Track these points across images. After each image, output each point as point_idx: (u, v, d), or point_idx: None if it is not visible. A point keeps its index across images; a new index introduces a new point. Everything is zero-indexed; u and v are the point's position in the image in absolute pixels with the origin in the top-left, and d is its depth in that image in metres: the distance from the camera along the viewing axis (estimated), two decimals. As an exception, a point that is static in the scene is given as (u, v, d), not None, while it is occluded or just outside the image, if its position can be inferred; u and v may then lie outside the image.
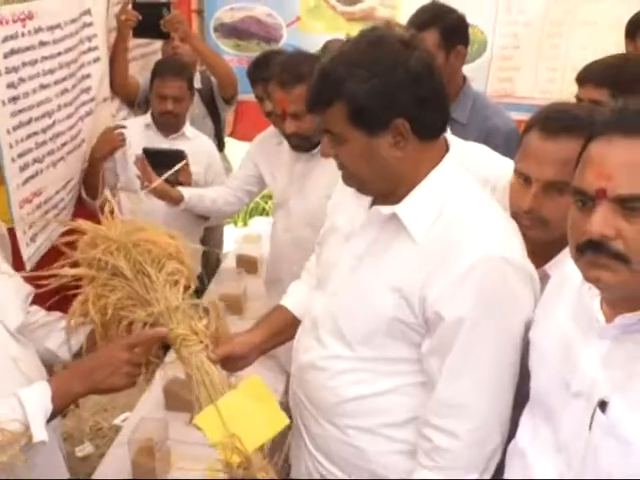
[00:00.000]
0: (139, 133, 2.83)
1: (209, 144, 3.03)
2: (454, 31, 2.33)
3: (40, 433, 1.31)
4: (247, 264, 3.15)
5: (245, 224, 5.25)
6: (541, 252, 1.47)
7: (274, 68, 2.22)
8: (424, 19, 2.30)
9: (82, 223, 1.54)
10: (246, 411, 1.41)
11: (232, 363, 1.53)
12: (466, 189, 1.35)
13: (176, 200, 2.58)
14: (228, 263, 3.37)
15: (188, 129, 2.94)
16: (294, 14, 3.85)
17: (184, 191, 2.62)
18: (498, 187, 1.85)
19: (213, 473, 1.88)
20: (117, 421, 3.32)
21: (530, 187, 1.41)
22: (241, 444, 1.35)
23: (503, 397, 1.32)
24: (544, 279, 1.43)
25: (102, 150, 2.71)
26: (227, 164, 3.63)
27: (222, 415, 1.38)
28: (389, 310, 1.32)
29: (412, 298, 1.29)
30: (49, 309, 1.71)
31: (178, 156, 2.68)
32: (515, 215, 1.45)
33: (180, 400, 2.16)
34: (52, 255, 1.56)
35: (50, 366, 1.61)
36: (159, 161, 2.61)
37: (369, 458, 1.42)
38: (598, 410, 1.04)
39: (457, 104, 2.38)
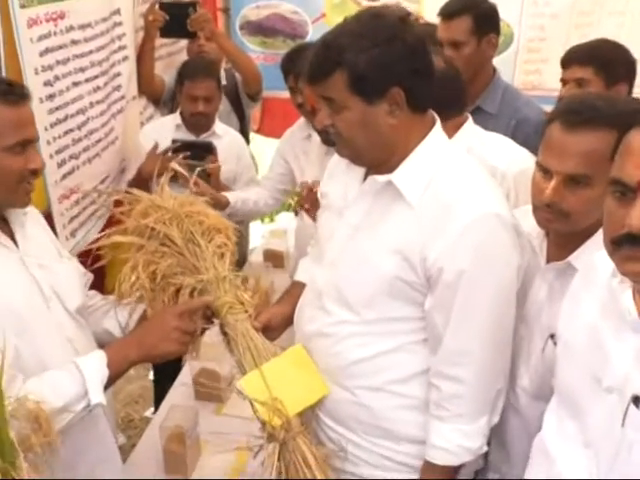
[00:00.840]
0: (170, 133, 2.84)
1: (238, 137, 3.04)
2: (487, 19, 2.40)
3: (97, 396, 1.39)
4: (274, 258, 3.20)
5: (272, 220, 5.29)
6: (564, 243, 1.49)
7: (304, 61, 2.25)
8: (458, 6, 2.38)
9: (138, 192, 1.63)
10: (289, 377, 1.49)
11: (267, 333, 1.61)
12: (455, 156, 1.46)
13: (223, 205, 2.65)
14: (255, 258, 3.41)
15: (218, 126, 2.96)
16: (319, 10, 3.87)
17: (229, 195, 2.69)
18: (507, 175, 1.89)
19: (241, 463, 1.94)
20: (147, 413, 3.39)
21: (551, 180, 1.42)
22: (283, 407, 1.42)
23: (504, 340, 1.45)
24: (568, 270, 1.46)
25: (149, 171, 2.59)
26: (252, 160, 3.69)
27: (266, 379, 1.46)
28: (391, 270, 1.40)
29: (413, 259, 1.38)
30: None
31: (207, 147, 2.70)
32: (536, 208, 1.47)
33: (209, 390, 2.22)
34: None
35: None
36: (188, 153, 2.62)
37: (377, 415, 1.50)
38: (632, 405, 1.04)
39: (487, 94, 2.41)
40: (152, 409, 3.30)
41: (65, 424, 1.37)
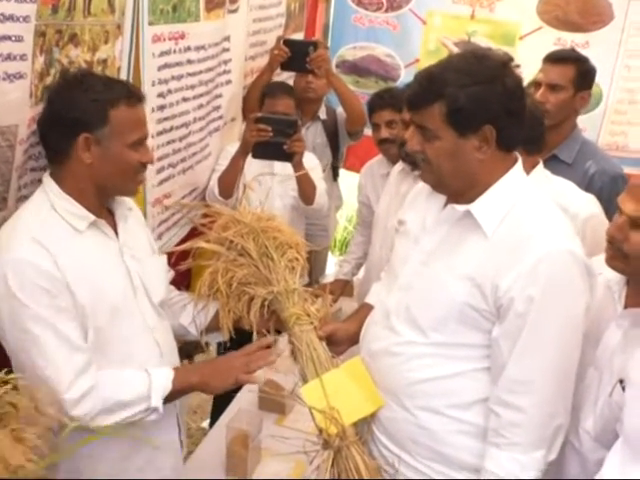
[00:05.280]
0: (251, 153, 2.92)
1: (311, 157, 3.07)
2: (587, 76, 2.54)
3: (157, 401, 1.54)
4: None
5: (341, 253, 5.38)
6: None
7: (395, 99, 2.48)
8: (565, 54, 2.58)
9: (220, 208, 1.78)
10: (346, 388, 1.57)
11: (331, 347, 1.70)
12: (533, 193, 1.51)
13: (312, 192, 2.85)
14: (325, 284, 3.49)
15: None
16: (413, 56, 4.02)
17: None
18: (579, 217, 1.95)
19: (298, 473, 2.00)
20: (204, 424, 3.48)
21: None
22: (339, 416, 1.50)
23: (567, 376, 1.45)
24: None
25: (251, 138, 2.67)
26: (339, 192, 3.85)
27: (325, 388, 1.54)
28: (461, 296, 1.45)
29: (484, 286, 1.42)
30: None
31: (291, 124, 2.71)
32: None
33: (272, 401, 2.31)
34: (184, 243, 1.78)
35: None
36: (273, 129, 2.65)
37: (436, 438, 1.52)
38: None
39: (565, 145, 2.50)
40: (208, 420, 3.38)
41: (122, 419, 1.52)
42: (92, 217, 1.56)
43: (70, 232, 1.53)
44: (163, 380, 1.57)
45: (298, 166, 2.73)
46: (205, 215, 1.82)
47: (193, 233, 1.82)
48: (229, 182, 2.75)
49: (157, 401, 1.54)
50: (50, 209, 1.52)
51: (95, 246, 1.57)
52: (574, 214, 1.94)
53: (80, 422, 1.45)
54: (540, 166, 2.09)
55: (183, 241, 2.51)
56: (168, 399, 1.57)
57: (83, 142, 1.51)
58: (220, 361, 1.66)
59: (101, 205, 1.62)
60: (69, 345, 1.46)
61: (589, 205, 2.04)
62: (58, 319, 1.45)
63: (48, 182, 1.56)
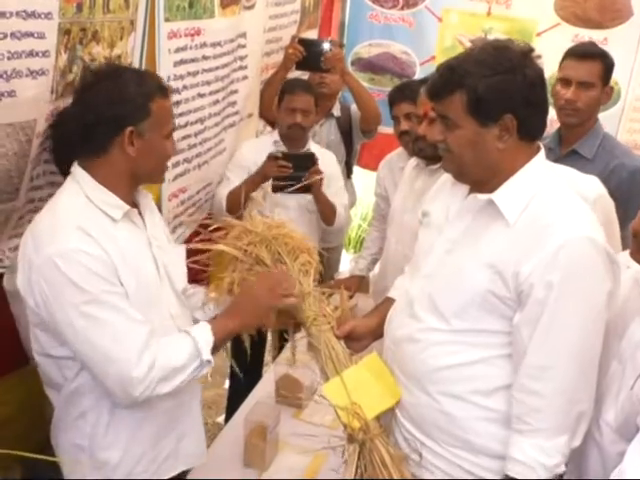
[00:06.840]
0: (268, 149, 2.93)
1: (330, 157, 3.10)
2: (610, 70, 2.49)
3: (207, 355, 1.57)
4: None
5: (355, 250, 5.38)
6: None
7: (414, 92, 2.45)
8: (593, 50, 2.51)
9: (230, 220, 1.82)
10: (366, 383, 1.59)
11: (351, 343, 1.73)
12: (554, 182, 1.52)
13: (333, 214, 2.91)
14: (341, 282, 3.49)
15: (312, 145, 3.06)
16: (429, 53, 4.02)
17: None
18: (589, 199, 1.93)
19: (317, 463, 2.01)
20: (219, 419, 3.50)
21: None
22: (361, 411, 1.52)
23: (589, 363, 1.45)
24: None
25: (270, 172, 2.72)
26: (352, 189, 3.82)
27: (346, 385, 1.57)
28: (483, 283, 1.46)
29: (506, 273, 1.43)
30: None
31: (308, 159, 2.76)
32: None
33: (289, 395, 2.32)
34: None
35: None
36: (292, 165, 2.69)
37: (460, 424, 1.53)
38: None
39: (586, 140, 2.47)
40: (223, 416, 3.40)
41: (179, 383, 1.55)
42: (126, 206, 1.58)
43: (107, 222, 1.55)
44: (205, 334, 1.59)
45: (318, 196, 2.81)
46: (217, 229, 1.85)
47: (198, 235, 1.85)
48: (239, 202, 2.62)
49: (207, 354, 1.57)
50: (85, 199, 1.54)
51: (129, 236, 1.59)
52: (584, 197, 1.94)
53: (143, 395, 1.50)
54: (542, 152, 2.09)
55: (189, 240, 2.54)
56: (213, 350, 1.60)
57: (128, 136, 1.53)
58: (247, 299, 1.67)
59: (130, 196, 1.64)
60: (131, 321, 1.50)
61: (595, 186, 2.03)
62: (116, 299, 1.49)
63: (80, 172, 1.56)
